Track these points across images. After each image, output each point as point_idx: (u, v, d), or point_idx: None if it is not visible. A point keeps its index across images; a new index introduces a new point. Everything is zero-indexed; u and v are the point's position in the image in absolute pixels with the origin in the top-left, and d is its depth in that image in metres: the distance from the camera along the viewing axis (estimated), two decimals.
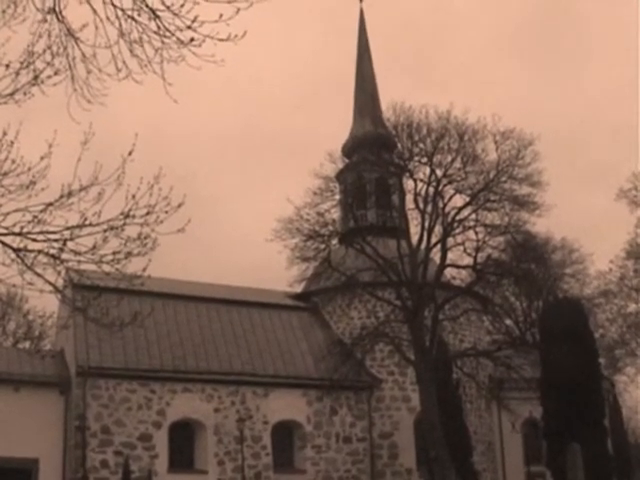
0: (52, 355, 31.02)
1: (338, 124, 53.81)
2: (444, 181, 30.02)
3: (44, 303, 26.21)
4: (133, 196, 11.95)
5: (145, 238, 12.28)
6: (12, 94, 11.46)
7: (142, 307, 30.17)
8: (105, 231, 12.08)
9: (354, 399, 33.85)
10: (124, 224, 12.16)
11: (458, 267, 31.48)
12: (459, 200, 30.10)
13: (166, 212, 12.22)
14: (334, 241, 32.05)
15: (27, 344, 46.52)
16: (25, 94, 11.48)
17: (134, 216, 12.13)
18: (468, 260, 30.37)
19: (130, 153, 11.97)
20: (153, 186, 11.96)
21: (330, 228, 31.00)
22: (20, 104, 11.61)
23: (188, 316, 33.99)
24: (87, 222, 12.04)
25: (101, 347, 30.34)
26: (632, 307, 42.36)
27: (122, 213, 12.10)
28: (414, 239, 30.74)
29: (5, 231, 11.81)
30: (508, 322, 39.94)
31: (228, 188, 76.73)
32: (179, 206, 12.34)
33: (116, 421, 29.85)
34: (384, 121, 33.27)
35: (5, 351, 33.58)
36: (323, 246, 30.64)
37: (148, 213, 12.09)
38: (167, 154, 59.96)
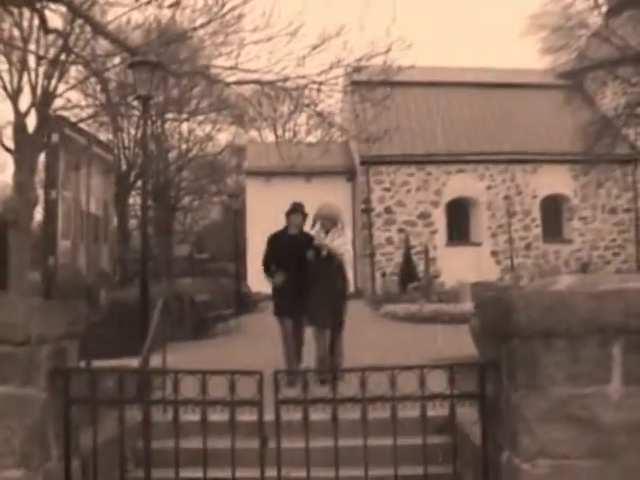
0: (339, 146, 34.47)
1: None
2: None
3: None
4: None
5: None
6: None
7: (413, 96, 33.22)
8: None
9: (619, 172, 34.38)
10: None
11: None
12: None
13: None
14: (584, 31, 31.64)
15: (317, 137, 50.14)
16: None
17: None
18: None
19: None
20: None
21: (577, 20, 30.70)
22: None
23: (459, 101, 35.50)
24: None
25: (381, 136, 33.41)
26: None
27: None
28: None
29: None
30: None
31: None
32: None
33: (397, 202, 33.24)
34: None
35: (297, 144, 37.25)
36: (574, 37, 30.71)
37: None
38: None
